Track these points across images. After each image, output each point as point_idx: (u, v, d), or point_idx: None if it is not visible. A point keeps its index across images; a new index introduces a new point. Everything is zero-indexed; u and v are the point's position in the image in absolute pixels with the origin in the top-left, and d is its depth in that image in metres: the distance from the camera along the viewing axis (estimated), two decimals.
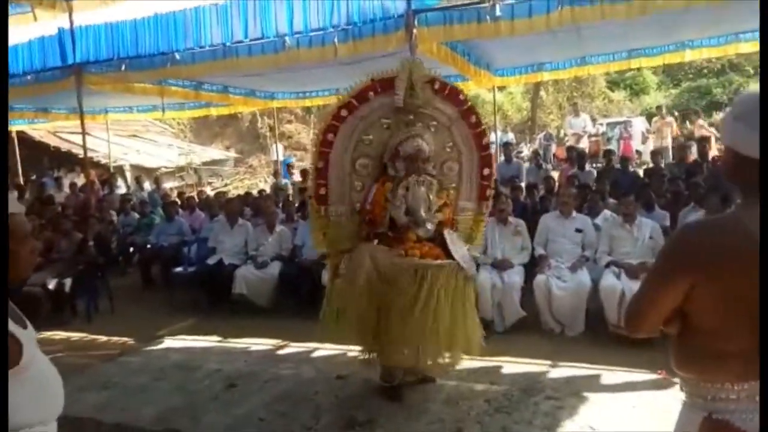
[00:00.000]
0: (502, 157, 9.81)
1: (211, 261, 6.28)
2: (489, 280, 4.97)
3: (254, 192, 10.28)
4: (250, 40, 6.23)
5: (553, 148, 14.91)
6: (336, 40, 5.90)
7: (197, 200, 8.95)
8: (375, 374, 4.13)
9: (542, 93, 21.35)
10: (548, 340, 4.64)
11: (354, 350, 4.62)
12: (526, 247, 5.38)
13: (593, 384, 3.78)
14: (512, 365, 4.18)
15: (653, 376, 3.71)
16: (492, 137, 13.74)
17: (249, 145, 21.29)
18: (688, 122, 15.37)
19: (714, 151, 9.70)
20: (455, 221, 3.93)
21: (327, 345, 4.79)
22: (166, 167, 15.65)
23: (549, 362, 4.18)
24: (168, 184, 13.80)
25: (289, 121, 20.88)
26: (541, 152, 12.71)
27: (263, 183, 16.59)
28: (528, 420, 3.32)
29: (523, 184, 7.87)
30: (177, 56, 6.62)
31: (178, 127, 20.95)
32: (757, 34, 7.72)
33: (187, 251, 6.88)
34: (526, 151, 15.93)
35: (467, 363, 4.21)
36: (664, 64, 18.05)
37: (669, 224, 5.46)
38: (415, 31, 5.47)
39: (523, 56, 8.60)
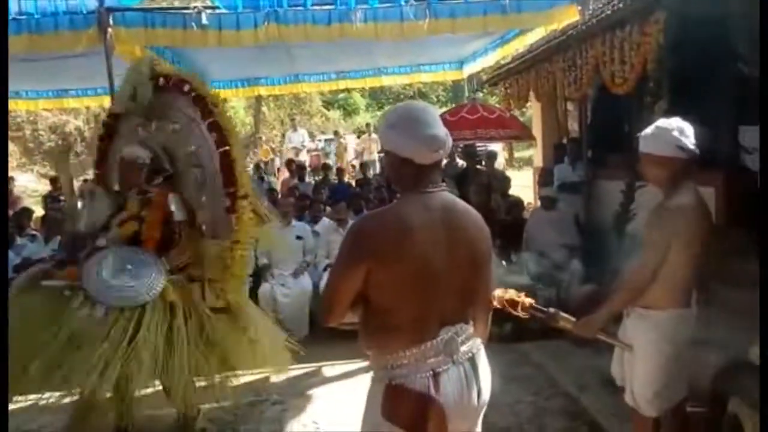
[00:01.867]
0: None
1: None
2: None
3: None
4: None
5: (277, 161, 15.37)
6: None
7: None
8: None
9: (264, 108, 21.87)
10: None
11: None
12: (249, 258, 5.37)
13: (316, 381, 4.00)
14: (239, 379, 4.10)
15: (365, 363, 4.10)
16: None
17: None
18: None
19: None
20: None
21: None
22: None
23: (274, 368, 4.23)
24: None
25: None
26: (262, 166, 12.94)
27: None
28: (255, 429, 3.31)
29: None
30: None
31: None
32: (432, 67, 9.40)
33: None
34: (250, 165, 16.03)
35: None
36: (369, 88, 20.69)
37: None
38: (110, 30, 4.95)
39: (238, 70, 8.65)
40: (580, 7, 5.30)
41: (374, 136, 15.43)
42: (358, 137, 17.21)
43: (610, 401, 3.25)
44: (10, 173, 12.14)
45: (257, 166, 11.52)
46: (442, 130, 1.59)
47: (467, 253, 1.59)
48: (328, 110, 23.72)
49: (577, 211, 5.75)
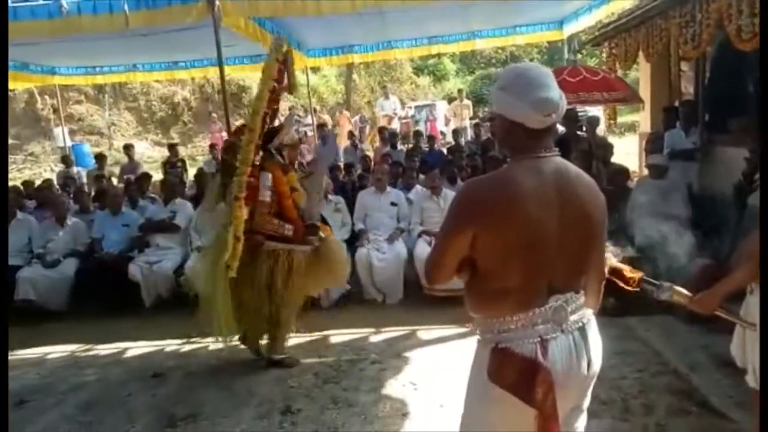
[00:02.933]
0: (319, 139, 9.96)
1: None
2: None
3: (38, 182, 8.89)
4: (13, 1, 5.29)
5: (368, 129, 15.54)
6: (126, 7, 5.31)
7: None
8: (198, 366, 3.95)
9: (355, 76, 22.04)
10: (371, 310, 4.88)
11: (171, 345, 4.37)
12: (346, 223, 5.55)
13: (412, 344, 4.09)
14: (338, 337, 4.32)
15: (461, 329, 4.14)
16: (308, 119, 13.82)
17: (27, 129, 18.24)
18: (481, 105, 17.47)
19: None
20: None
21: (140, 343, 4.44)
22: None
23: (372, 330, 4.40)
24: None
25: (78, 102, 18.38)
26: (356, 133, 13.15)
27: (48, 172, 14.43)
28: (355, 386, 3.46)
29: (341, 164, 8.07)
30: None
31: None
32: (529, 29, 8.98)
33: None
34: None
35: (295, 340, 4.24)
36: (460, 53, 20.20)
37: None
38: (218, 2, 5.18)
39: (333, 37, 8.76)
40: None
41: (465, 101, 15.10)
42: (449, 103, 16.92)
43: (726, 383, 3.07)
44: (129, 141, 13.27)
45: (350, 134, 11.72)
46: (556, 93, 1.51)
47: (580, 221, 1.53)
48: (418, 77, 23.44)
49: (690, 180, 5.34)
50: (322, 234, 3.79)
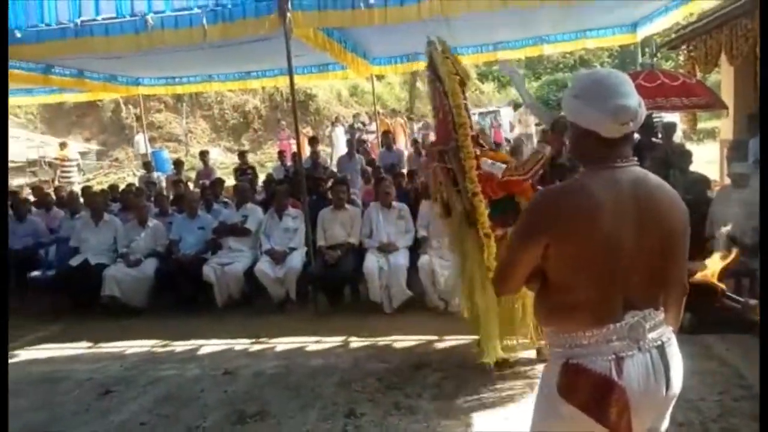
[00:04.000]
0: (383, 147, 10.06)
1: (74, 262, 5.72)
2: (376, 264, 5.09)
3: (122, 186, 9.53)
4: (104, 19, 5.70)
5: (431, 136, 15.54)
6: (204, 21, 5.58)
7: (54, 197, 8.08)
8: (266, 366, 4.08)
9: (419, 83, 22.11)
10: (434, 317, 4.87)
11: (241, 344, 4.55)
12: (409, 230, 5.57)
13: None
14: (402, 343, 4.34)
15: (524, 340, 4.02)
16: (373, 126, 13.95)
17: (113, 137, 19.57)
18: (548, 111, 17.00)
19: None
20: None
21: (212, 341, 4.65)
22: (13, 162, 13.89)
23: (435, 337, 4.39)
24: (17, 181, 12.28)
25: (159, 110, 19.52)
26: (420, 140, 13.16)
27: (131, 177, 15.40)
28: (418, 393, 3.46)
29: (404, 171, 8.11)
30: (18, 34, 5.87)
31: (26, 117, 18.67)
32: (600, 32, 8.68)
33: (45, 253, 6.21)
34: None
35: (358, 343, 4.30)
36: (525, 58, 19.80)
37: None
38: (289, 14, 5.36)
39: (398, 46, 8.83)
40: None
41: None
42: (514, 110, 16.62)
43: None
44: (205, 147, 13.94)
45: (414, 141, 11.76)
46: (633, 100, 1.45)
47: (659, 233, 1.47)
48: (482, 83, 23.19)
49: None
50: None
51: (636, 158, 1.53)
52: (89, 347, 4.76)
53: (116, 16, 5.73)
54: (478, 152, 3.55)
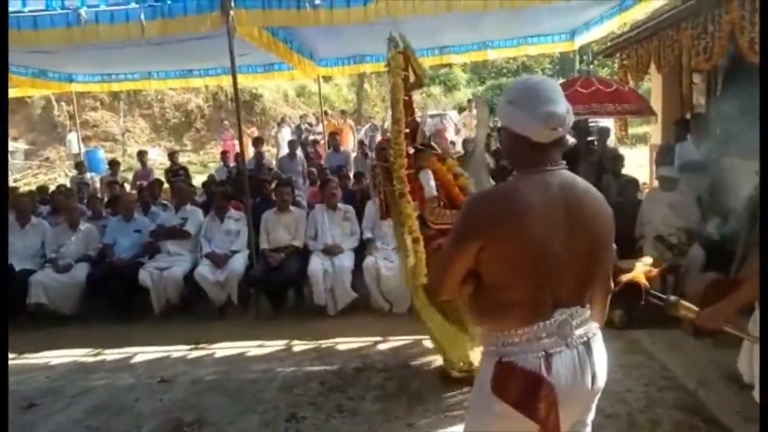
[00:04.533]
0: (330, 148, 10.02)
1: None
2: (321, 266, 5.05)
3: (52, 188, 9.03)
4: (31, 11, 5.39)
5: (378, 138, 15.61)
6: (143, 17, 5.38)
7: None
8: (204, 372, 3.97)
9: (366, 86, 22.18)
10: (378, 319, 4.88)
11: (179, 350, 4.41)
12: (355, 232, 5.56)
13: (418, 353, 4.08)
14: (345, 345, 4.33)
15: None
16: (320, 128, 13.86)
17: (43, 135, 18.53)
18: (492, 115, 17.40)
19: None
20: None
21: (148, 348, 4.49)
22: None
23: (380, 338, 4.40)
24: None
25: (94, 108, 18.66)
26: (366, 142, 13.20)
27: (63, 178, 14.64)
28: (361, 395, 3.47)
29: (351, 173, 8.11)
30: None
31: None
32: (540, 39, 8.98)
33: None
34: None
35: (301, 347, 4.26)
36: (471, 63, 20.25)
37: None
38: (232, 12, 5.25)
39: (345, 47, 8.81)
40: None
41: (475, 112, 15.12)
42: (459, 113, 16.94)
43: (734, 399, 3.03)
44: (143, 147, 13.44)
45: (360, 143, 11.76)
46: (562, 107, 1.51)
47: (586, 235, 1.53)
48: (430, 86, 23.50)
49: (700, 193, 5.30)
50: None
51: (566, 162, 1.59)
52: (13, 358, 4.47)
53: (45, 8, 5.44)
54: (427, 155, 3.47)
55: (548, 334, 1.51)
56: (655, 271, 1.90)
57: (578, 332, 1.54)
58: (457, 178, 3.59)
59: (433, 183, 3.39)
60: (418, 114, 3.91)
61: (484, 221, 1.51)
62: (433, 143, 3.65)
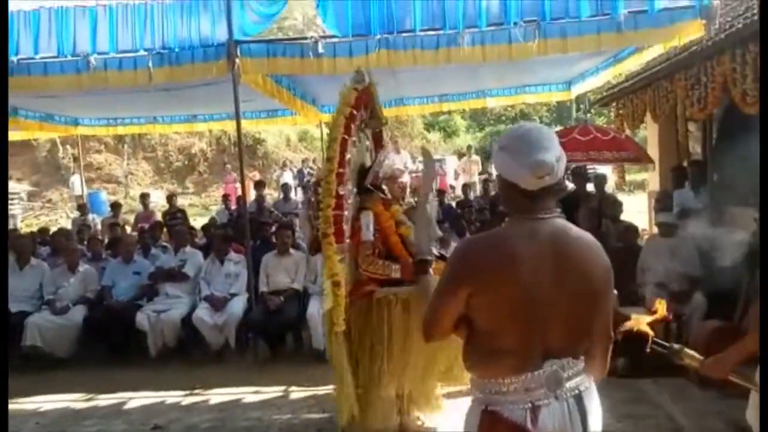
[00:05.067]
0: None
1: None
2: (319, 309, 5.00)
3: (53, 229, 9.05)
4: (42, 57, 5.55)
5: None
6: (150, 64, 5.53)
7: None
8: (199, 419, 3.87)
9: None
10: None
11: (174, 396, 4.31)
12: None
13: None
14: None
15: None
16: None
17: (47, 177, 18.71)
18: (490, 161, 17.79)
19: None
20: None
21: (142, 393, 4.39)
22: None
23: None
24: None
25: (98, 151, 18.91)
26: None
27: (65, 219, 14.68)
28: None
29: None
30: None
31: None
32: (538, 88, 9.21)
33: None
34: None
35: (298, 393, 4.16)
36: (470, 110, 20.69)
37: None
38: (237, 61, 5.40)
39: None
40: (705, 22, 4.93)
41: (474, 157, 15.34)
42: (459, 159, 17.16)
43: None
44: (145, 190, 13.54)
45: None
46: (552, 155, 1.49)
47: (579, 284, 1.50)
48: (429, 132, 23.91)
49: (699, 239, 5.31)
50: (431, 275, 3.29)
51: (564, 208, 1.59)
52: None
53: (57, 55, 5.59)
54: (374, 198, 3.32)
55: (537, 385, 1.47)
56: (658, 317, 1.89)
57: (569, 384, 1.50)
58: (399, 226, 3.42)
59: (371, 227, 3.23)
60: (385, 154, 3.73)
61: (473, 268, 1.50)
62: (384, 186, 3.43)
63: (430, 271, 3.03)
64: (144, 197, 9.99)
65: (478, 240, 1.66)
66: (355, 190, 3.38)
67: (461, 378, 3.09)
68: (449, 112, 21.25)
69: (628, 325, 1.81)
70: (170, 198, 10.04)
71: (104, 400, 4.34)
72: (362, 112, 3.43)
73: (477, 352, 1.56)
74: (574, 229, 1.57)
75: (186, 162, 19.77)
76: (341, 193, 3.10)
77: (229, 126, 10.54)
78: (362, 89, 3.35)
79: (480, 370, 1.56)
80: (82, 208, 9.75)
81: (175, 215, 8.82)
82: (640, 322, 1.85)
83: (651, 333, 1.86)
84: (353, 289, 3.15)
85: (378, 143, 3.89)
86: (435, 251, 3.06)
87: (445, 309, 1.56)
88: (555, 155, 1.50)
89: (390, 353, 3.12)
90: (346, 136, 3.15)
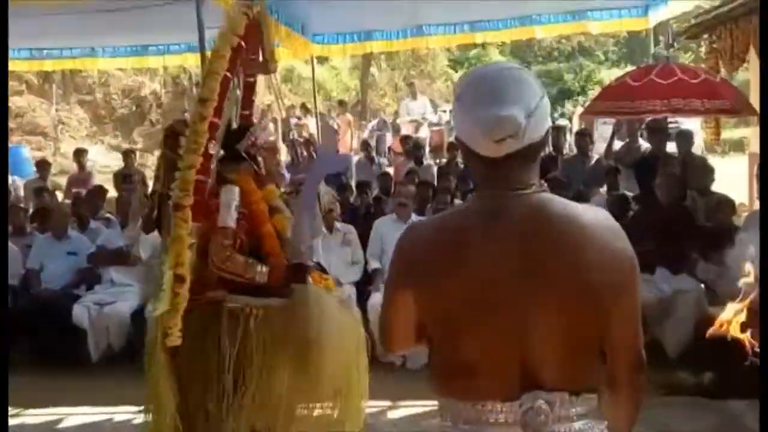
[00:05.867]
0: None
1: None
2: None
3: None
4: None
5: (388, 138, 15.69)
6: None
7: None
8: None
9: (374, 70, 22.40)
10: (387, 375, 4.80)
11: (122, 412, 4.40)
12: (357, 260, 5.58)
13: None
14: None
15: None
16: (312, 124, 14.02)
17: None
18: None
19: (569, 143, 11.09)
20: None
21: (82, 409, 4.51)
22: None
23: (388, 403, 4.43)
24: None
25: (19, 92, 18.94)
26: (372, 143, 13.28)
27: None
28: None
29: (352, 182, 8.15)
30: None
31: None
32: (604, 14, 9.08)
33: None
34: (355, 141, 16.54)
35: None
36: (512, 42, 20.48)
37: None
38: None
39: (347, 20, 8.91)
40: None
41: None
42: None
43: None
44: (81, 144, 13.61)
45: (365, 144, 11.84)
46: (516, 109, 1.34)
47: (567, 278, 1.35)
48: (456, 71, 23.75)
49: None
50: (311, 284, 3.15)
51: (544, 182, 1.47)
52: None
53: None
54: (243, 168, 3.13)
55: (509, 421, 1.39)
56: (746, 303, 1.87)
57: (558, 429, 1.39)
58: (273, 213, 3.21)
59: (234, 209, 2.98)
60: (272, 113, 3.63)
61: (411, 262, 1.47)
62: (259, 157, 3.21)
63: (309, 279, 3.07)
64: (79, 154, 10.02)
65: (420, 226, 1.64)
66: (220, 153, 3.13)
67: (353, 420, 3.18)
68: (483, 45, 21.02)
69: (715, 329, 1.80)
70: (127, 154, 9.94)
71: (32, 416, 4.43)
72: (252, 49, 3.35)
73: (435, 367, 1.52)
74: (562, 204, 1.43)
75: (134, 108, 19.78)
76: (211, 152, 2.93)
77: (191, 60, 10.46)
78: (252, 19, 3.19)
79: (437, 391, 1.50)
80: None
81: (131, 177, 8.79)
82: (729, 321, 1.85)
83: (752, 341, 1.86)
84: (193, 290, 2.87)
85: (248, 97, 3.64)
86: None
87: (393, 318, 1.54)
88: (525, 109, 1.36)
89: (245, 382, 2.95)
90: (229, 74, 3.00)
